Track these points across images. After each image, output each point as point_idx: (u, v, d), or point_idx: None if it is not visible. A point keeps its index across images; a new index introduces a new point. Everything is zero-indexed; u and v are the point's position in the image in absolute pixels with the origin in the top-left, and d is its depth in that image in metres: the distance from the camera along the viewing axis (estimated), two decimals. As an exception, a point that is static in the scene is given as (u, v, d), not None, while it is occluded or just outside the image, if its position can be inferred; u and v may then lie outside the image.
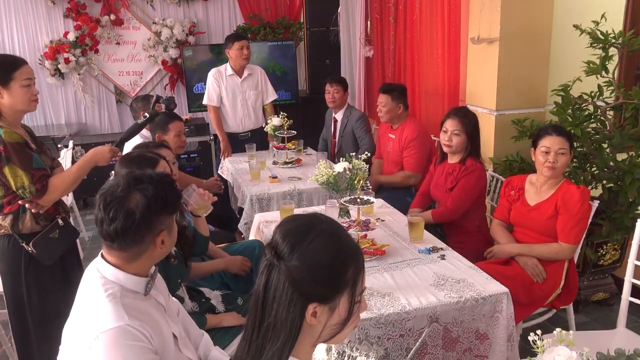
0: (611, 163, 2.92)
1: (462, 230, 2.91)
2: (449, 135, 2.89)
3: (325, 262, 1.06)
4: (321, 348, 1.75)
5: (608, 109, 3.06)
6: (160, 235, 1.44)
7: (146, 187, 1.40)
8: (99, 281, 1.41)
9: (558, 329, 1.22)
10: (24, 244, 2.26)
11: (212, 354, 1.74)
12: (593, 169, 3.02)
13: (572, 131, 2.83)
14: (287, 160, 3.97)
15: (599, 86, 3.02)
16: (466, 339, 2.03)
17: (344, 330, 1.12)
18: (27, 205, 2.22)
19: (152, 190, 1.40)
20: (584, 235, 2.55)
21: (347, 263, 1.08)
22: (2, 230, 2.26)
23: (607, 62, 2.95)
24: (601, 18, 2.89)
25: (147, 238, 1.41)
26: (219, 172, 4.41)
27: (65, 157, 4.13)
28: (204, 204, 2.40)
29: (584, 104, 3.04)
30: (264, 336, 1.07)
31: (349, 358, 1.65)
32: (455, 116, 2.89)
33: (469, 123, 2.87)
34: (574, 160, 3.00)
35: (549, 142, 2.46)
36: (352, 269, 1.09)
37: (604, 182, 3.00)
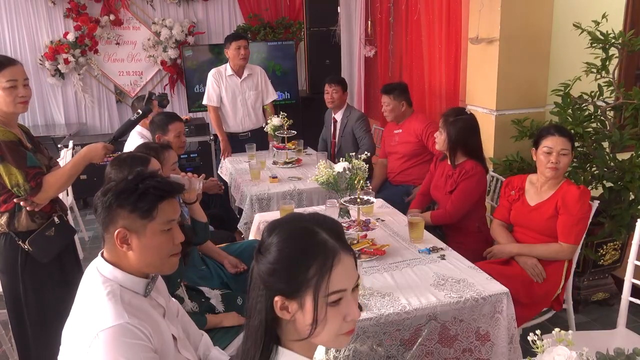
0: (611, 163, 2.92)
1: (462, 230, 2.90)
2: (437, 132, 2.92)
3: (284, 256, 1.06)
4: (321, 348, 1.75)
5: (608, 109, 3.06)
6: (119, 230, 1.39)
7: (128, 178, 1.45)
8: (99, 279, 1.41)
9: (557, 329, 1.22)
10: (20, 242, 2.26)
11: (212, 354, 1.74)
12: (593, 169, 3.02)
13: (573, 131, 2.83)
14: (287, 160, 3.96)
15: (599, 86, 3.02)
16: (465, 338, 2.02)
17: (322, 333, 1.07)
18: (22, 204, 2.22)
19: (124, 182, 1.43)
20: (584, 236, 2.55)
21: (308, 261, 1.06)
22: (-1, 229, 2.26)
23: (607, 63, 2.95)
24: (602, 18, 2.89)
25: (110, 226, 1.41)
26: (219, 172, 4.41)
27: (65, 157, 4.13)
28: (191, 184, 2.39)
29: (584, 104, 3.04)
30: (249, 321, 1.12)
31: (346, 357, 1.65)
32: (442, 115, 2.93)
33: (453, 123, 2.83)
34: (574, 160, 3.00)
35: (552, 143, 2.45)
36: (315, 268, 1.05)
37: (604, 181, 2.99)
